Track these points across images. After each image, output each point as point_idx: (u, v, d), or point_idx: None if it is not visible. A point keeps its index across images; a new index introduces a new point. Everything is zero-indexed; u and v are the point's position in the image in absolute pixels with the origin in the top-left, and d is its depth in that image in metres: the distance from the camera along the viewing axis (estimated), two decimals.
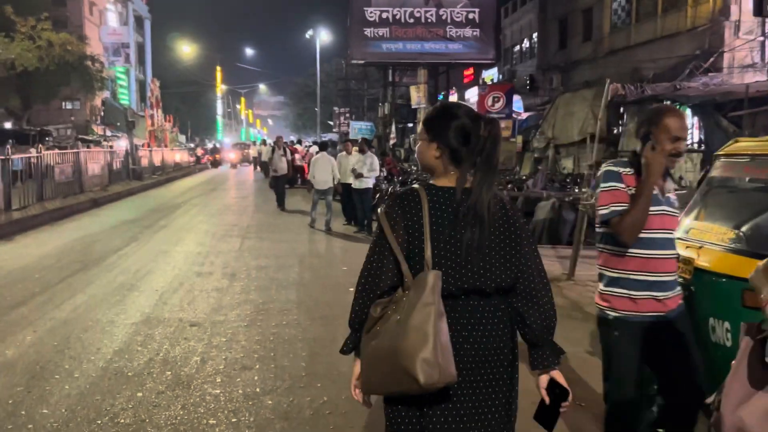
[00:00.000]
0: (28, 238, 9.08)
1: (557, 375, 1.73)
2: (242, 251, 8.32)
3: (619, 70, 21.50)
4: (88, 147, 22.77)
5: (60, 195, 12.37)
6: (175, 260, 7.54)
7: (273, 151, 14.54)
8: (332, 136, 42.06)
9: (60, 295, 5.73)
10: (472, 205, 1.66)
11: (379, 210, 1.77)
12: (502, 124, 9.55)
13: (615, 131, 16.05)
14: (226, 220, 11.74)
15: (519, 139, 18.67)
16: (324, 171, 10.77)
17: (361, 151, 10.67)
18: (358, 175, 10.20)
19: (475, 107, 24.54)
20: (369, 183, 10.47)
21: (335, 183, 10.75)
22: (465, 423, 1.66)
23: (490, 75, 35.65)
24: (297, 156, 21.25)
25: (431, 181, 1.76)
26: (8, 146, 10.17)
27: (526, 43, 32.37)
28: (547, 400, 1.71)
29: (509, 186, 11.69)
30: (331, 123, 52.76)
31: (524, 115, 21.20)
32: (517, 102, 31.11)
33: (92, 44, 35.97)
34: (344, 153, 11.40)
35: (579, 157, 17.78)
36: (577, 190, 9.86)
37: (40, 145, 12.55)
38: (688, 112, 13.98)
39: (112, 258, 7.60)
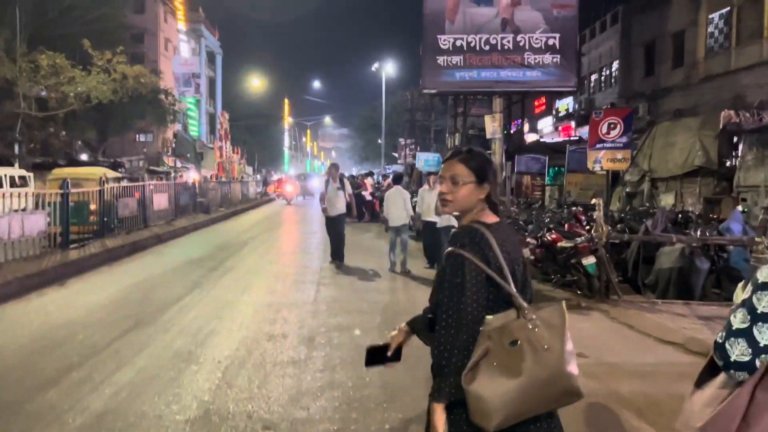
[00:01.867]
0: (82, 283, 8.22)
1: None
2: (318, 303, 7.14)
3: (718, 97, 19.54)
4: (161, 178, 22.68)
5: (123, 230, 11.68)
6: (243, 315, 6.43)
7: (327, 184, 10.64)
8: (397, 168, 41.20)
9: (102, 368, 4.63)
10: (512, 237, 1.94)
11: (452, 249, 1.83)
12: (619, 154, 8.06)
13: (728, 164, 14.17)
14: (297, 261, 10.68)
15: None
16: (398, 206, 9.61)
17: None
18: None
19: (556, 136, 22.80)
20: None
21: (410, 220, 9.61)
22: None
23: (565, 104, 33.99)
24: (366, 192, 20.19)
25: (479, 220, 1.90)
26: (68, 179, 9.50)
27: (605, 71, 30.57)
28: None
29: (618, 227, 10.12)
30: (396, 155, 52.10)
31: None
32: None
33: (166, 78, 36.75)
34: (426, 187, 10.17)
35: (683, 191, 15.91)
36: (707, 233, 8.20)
37: (105, 176, 11.91)
38: None
39: (171, 311, 6.56)
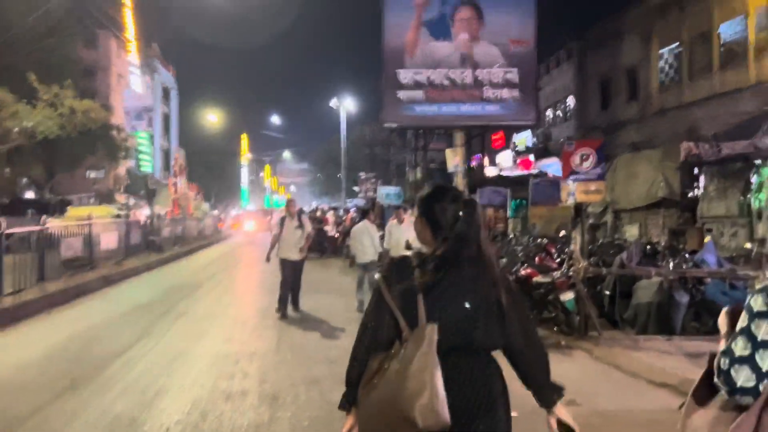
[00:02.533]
0: (15, 335, 7.33)
1: (562, 413, 1.93)
2: (281, 352, 6.51)
3: (672, 130, 19.94)
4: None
5: (66, 273, 10.78)
6: (197, 369, 5.74)
7: (281, 223, 9.06)
8: (358, 202, 40.83)
9: None
10: (468, 273, 1.90)
11: (376, 275, 2.31)
12: (592, 186, 7.80)
13: (690, 194, 14.25)
14: (258, 302, 9.97)
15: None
16: (365, 242, 9.11)
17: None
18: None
19: (515, 170, 22.68)
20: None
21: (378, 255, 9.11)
22: None
23: (523, 138, 34.46)
24: (328, 227, 19.57)
25: (423, 250, 2.00)
26: (1, 219, 8.64)
27: (561, 105, 31.16)
28: None
29: (591, 260, 9.84)
30: (357, 189, 51.77)
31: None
32: (556, 165, 29.75)
33: (117, 113, 35.66)
34: (394, 221, 9.71)
35: (647, 223, 15.93)
36: (683, 266, 7.97)
37: (45, 216, 11.03)
38: None
39: (114, 366, 5.80)
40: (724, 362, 1.68)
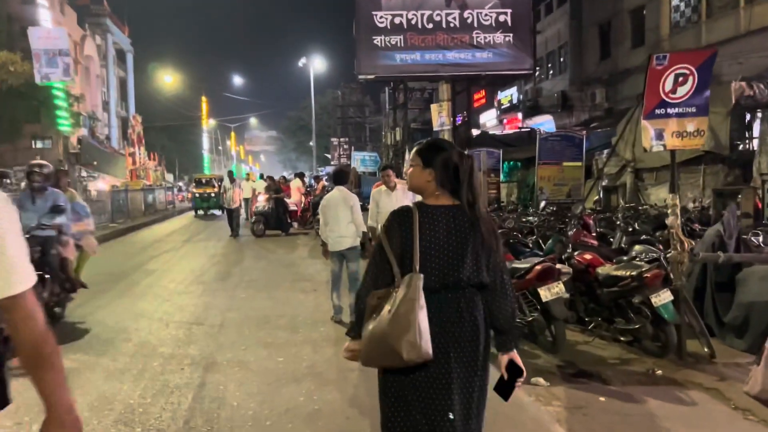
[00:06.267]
0: None
1: (515, 356, 2.22)
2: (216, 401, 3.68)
3: None
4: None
5: None
6: None
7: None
8: (330, 170, 37.71)
9: None
10: (458, 219, 2.15)
11: (380, 226, 2.43)
12: (690, 125, 5.03)
13: (740, 147, 11.64)
14: (193, 305, 7.07)
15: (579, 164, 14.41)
16: (341, 218, 6.17)
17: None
18: None
19: (503, 129, 19.77)
20: None
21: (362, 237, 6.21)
22: (450, 395, 2.08)
23: (508, 96, 31.62)
24: (291, 201, 16.39)
25: (422, 201, 2.23)
26: None
27: (553, 57, 28.25)
28: (506, 376, 2.20)
29: (657, 234, 7.14)
30: (329, 156, 48.53)
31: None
32: (549, 122, 27.01)
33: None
34: (382, 187, 6.82)
35: (680, 184, 13.31)
36: None
37: None
38: None
39: None
40: None
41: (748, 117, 11.40)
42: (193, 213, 24.09)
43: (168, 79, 47.15)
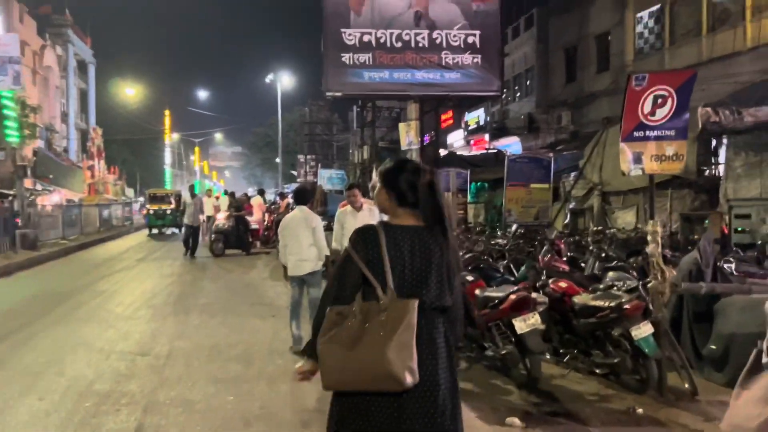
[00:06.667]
0: None
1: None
2: None
3: None
4: (2, 203, 17.23)
5: None
6: None
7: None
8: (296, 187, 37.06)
9: None
10: (422, 240, 2.10)
11: (323, 286, 2.24)
12: (670, 148, 4.82)
13: (707, 172, 11.67)
14: (140, 333, 6.52)
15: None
16: (302, 240, 5.74)
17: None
18: None
19: (469, 150, 19.70)
20: None
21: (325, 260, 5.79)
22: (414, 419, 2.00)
23: (475, 117, 31.79)
24: (252, 219, 15.78)
25: (387, 221, 2.19)
26: None
27: (520, 80, 28.51)
28: None
29: (630, 260, 6.90)
30: (295, 173, 47.91)
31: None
32: (515, 144, 27.11)
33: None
34: (348, 207, 6.42)
35: (647, 208, 13.28)
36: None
37: None
38: None
39: None
40: None
41: (713, 143, 11.44)
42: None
43: (130, 92, 46.13)
